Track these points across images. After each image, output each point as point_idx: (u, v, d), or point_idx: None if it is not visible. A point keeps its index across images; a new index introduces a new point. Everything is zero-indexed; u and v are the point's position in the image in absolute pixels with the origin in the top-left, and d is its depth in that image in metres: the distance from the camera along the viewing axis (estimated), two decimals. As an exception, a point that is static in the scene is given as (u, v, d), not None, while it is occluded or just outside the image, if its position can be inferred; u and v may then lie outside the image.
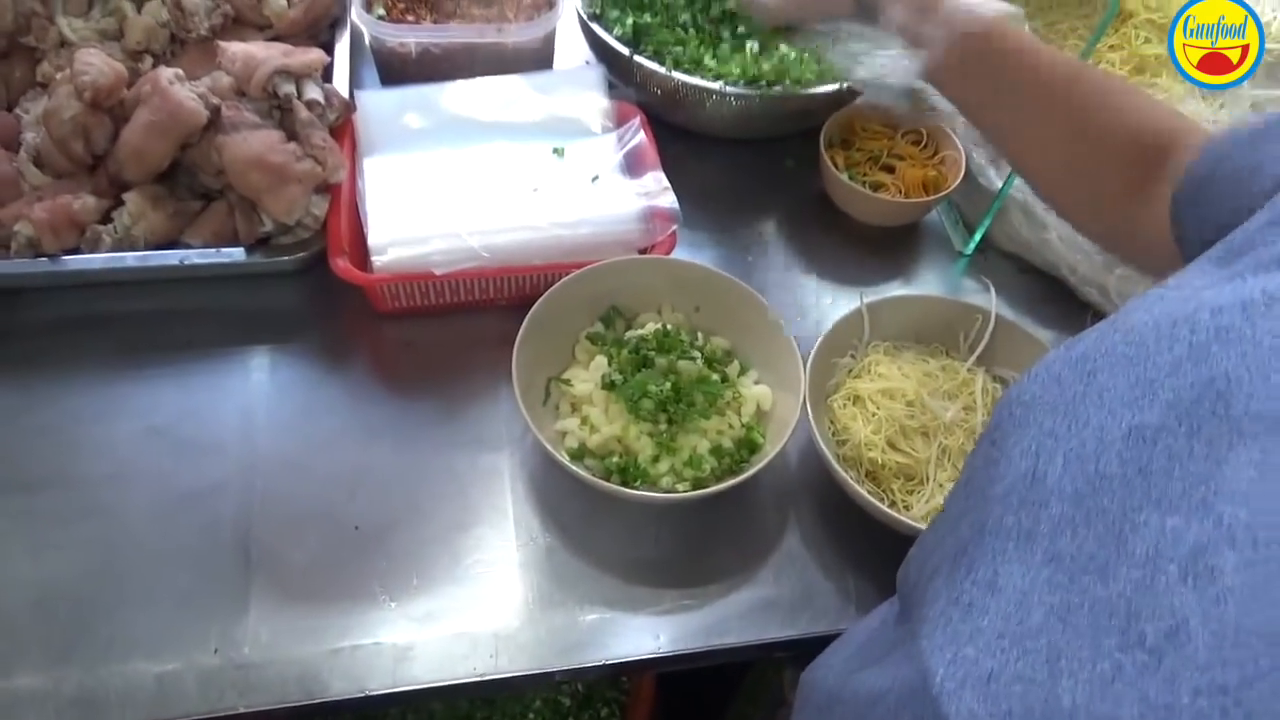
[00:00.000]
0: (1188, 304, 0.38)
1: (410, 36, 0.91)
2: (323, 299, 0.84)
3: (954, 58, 0.67)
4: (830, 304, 0.89)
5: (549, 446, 0.69)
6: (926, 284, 0.94)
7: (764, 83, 0.92)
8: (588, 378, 0.75)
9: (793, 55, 0.97)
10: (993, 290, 0.81)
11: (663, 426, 0.73)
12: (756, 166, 1.01)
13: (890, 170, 0.95)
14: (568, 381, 0.77)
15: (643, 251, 0.83)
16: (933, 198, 0.91)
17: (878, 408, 0.75)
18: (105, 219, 0.81)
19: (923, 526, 0.69)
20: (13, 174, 0.82)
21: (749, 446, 0.74)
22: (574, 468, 0.69)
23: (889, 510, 0.69)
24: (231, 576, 0.69)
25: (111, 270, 0.79)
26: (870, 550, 0.74)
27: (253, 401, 0.78)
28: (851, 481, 0.70)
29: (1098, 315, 0.91)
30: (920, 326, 0.81)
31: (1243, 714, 0.26)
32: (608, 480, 0.72)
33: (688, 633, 0.70)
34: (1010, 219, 0.91)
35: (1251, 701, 0.26)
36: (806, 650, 0.61)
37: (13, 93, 0.91)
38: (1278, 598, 0.27)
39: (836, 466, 0.70)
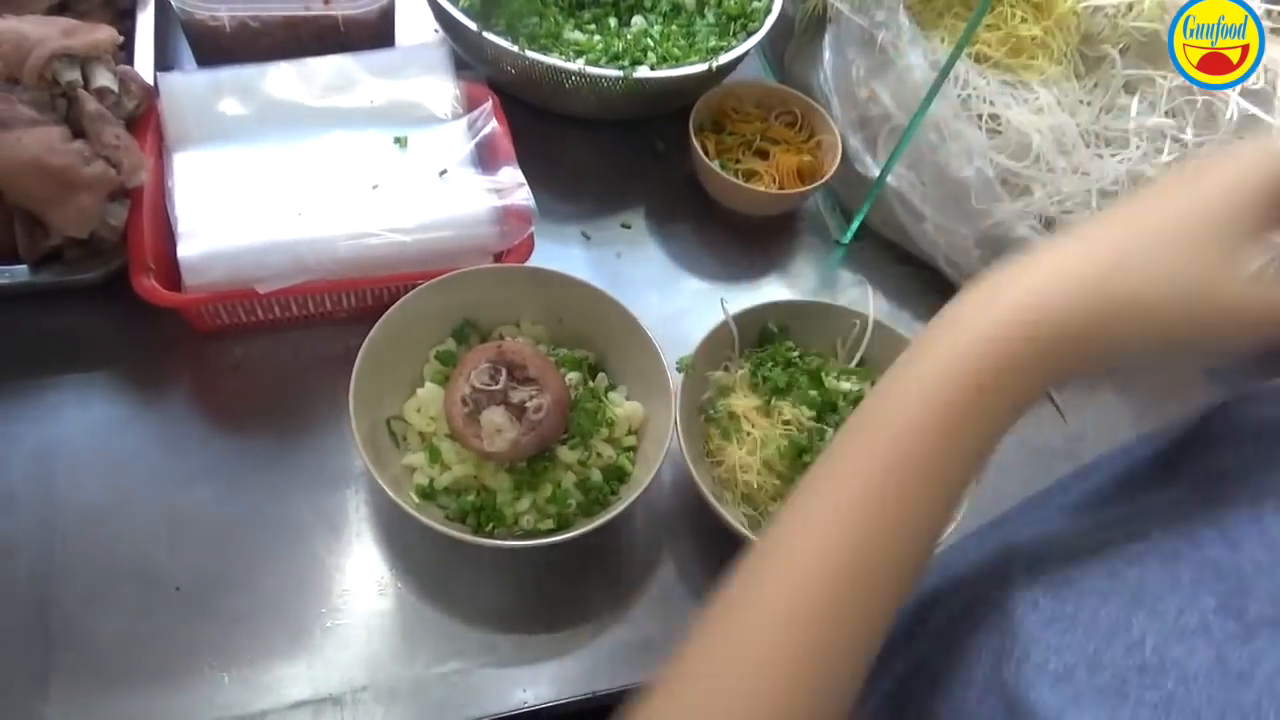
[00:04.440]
0: None
1: (223, 8, 0.80)
2: (132, 318, 0.73)
3: None
4: (705, 305, 0.84)
5: (389, 491, 0.62)
6: (804, 276, 0.90)
7: (627, 62, 0.85)
8: (437, 411, 0.68)
9: (657, 29, 0.90)
10: (870, 293, 0.77)
11: (522, 462, 0.66)
12: (624, 150, 0.94)
13: (764, 155, 0.90)
14: (403, 419, 0.69)
15: (498, 256, 0.76)
16: (807, 188, 0.86)
17: (753, 426, 0.70)
18: None
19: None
20: None
21: (618, 475, 0.69)
22: (418, 515, 0.62)
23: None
24: (26, 655, 0.60)
25: None
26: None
27: (49, 444, 0.68)
28: (721, 510, 0.65)
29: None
30: (794, 332, 0.76)
31: None
32: (463, 521, 0.66)
33: (557, 682, 0.64)
34: (888, 207, 0.88)
35: None
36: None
37: None
38: None
39: (707, 492, 0.66)
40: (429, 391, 0.68)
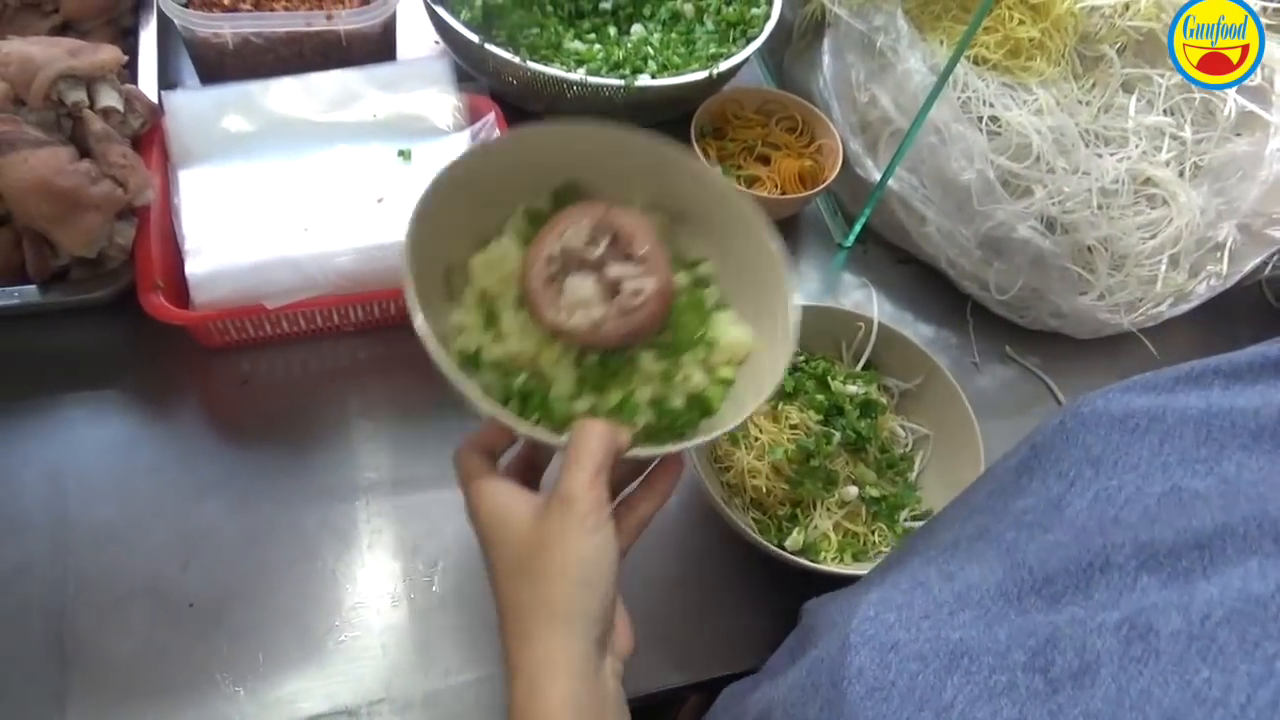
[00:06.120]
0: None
1: (226, 25, 0.80)
2: (140, 336, 0.74)
3: None
4: (708, 309, 0.84)
5: (431, 344, 0.47)
6: (807, 279, 0.90)
7: (628, 70, 0.85)
8: (510, 270, 0.54)
9: (656, 38, 0.90)
10: (874, 296, 0.78)
11: (593, 356, 0.53)
12: (626, 158, 0.94)
13: (766, 161, 0.90)
14: (466, 271, 0.55)
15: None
16: (809, 193, 0.86)
17: (760, 431, 0.71)
18: None
19: (802, 560, 0.65)
20: None
21: (701, 407, 0.55)
22: (461, 379, 0.47)
23: (769, 545, 0.65)
24: (43, 675, 0.60)
25: None
26: (765, 583, 0.70)
27: (60, 463, 0.68)
28: (731, 514, 0.65)
29: (978, 308, 0.89)
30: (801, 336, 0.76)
31: None
32: (505, 405, 0.52)
33: (570, 690, 0.65)
34: (890, 210, 0.88)
35: None
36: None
37: None
38: (1194, 680, 0.26)
39: (717, 498, 0.66)
40: (505, 247, 0.55)
